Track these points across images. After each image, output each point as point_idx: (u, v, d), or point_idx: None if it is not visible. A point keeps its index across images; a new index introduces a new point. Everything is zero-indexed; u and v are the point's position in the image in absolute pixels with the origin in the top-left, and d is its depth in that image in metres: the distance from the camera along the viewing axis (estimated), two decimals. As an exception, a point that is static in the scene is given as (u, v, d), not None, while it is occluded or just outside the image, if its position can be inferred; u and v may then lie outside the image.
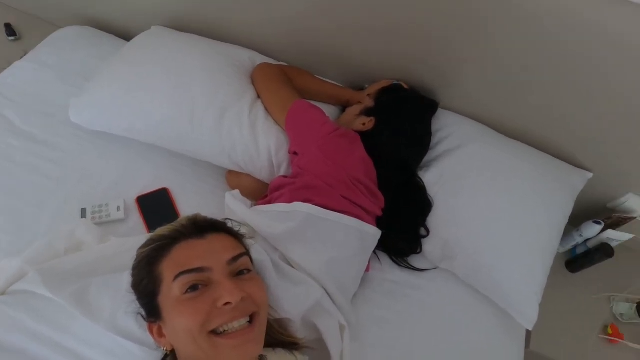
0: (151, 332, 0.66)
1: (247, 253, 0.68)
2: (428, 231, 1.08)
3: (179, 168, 1.13)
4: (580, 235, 1.25)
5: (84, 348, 0.73)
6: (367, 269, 1.05)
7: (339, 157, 0.97)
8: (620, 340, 1.18)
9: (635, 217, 1.21)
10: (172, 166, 1.13)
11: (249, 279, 0.65)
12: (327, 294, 0.88)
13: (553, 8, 0.88)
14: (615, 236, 1.22)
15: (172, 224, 0.68)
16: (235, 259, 0.64)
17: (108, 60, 1.14)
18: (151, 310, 0.64)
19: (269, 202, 0.96)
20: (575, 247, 1.31)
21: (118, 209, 1.04)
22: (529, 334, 1.18)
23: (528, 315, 1.02)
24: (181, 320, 0.60)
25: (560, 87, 1.02)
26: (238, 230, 0.72)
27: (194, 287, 0.60)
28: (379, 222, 1.03)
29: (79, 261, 0.84)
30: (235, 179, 1.13)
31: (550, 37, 0.93)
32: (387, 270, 1.09)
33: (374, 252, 1.07)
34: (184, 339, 0.61)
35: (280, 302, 0.80)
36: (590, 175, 1.17)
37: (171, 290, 0.61)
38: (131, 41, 1.17)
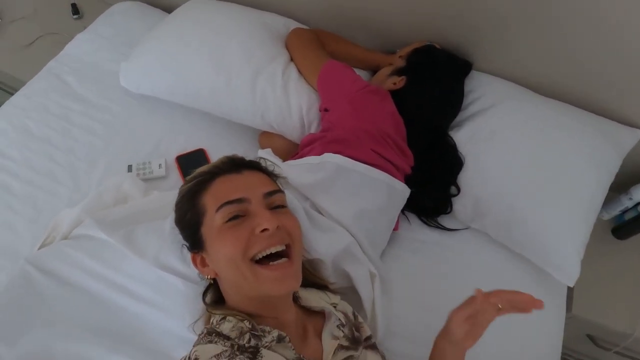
0: (195, 262, 0.70)
1: (282, 190, 0.71)
2: (459, 189, 1.06)
3: (215, 130, 1.19)
4: (630, 199, 1.17)
5: (131, 283, 0.80)
6: (396, 228, 1.05)
7: (368, 112, 0.98)
8: None
9: None
10: (209, 128, 1.19)
11: (284, 212, 0.68)
12: (357, 243, 0.90)
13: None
14: None
15: (211, 162, 0.72)
16: (271, 193, 0.67)
17: (153, 29, 1.21)
18: (195, 241, 0.68)
19: (300, 157, 0.98)
20: (623, 212, 1.23)
21: (160, 166, 1.11)
22: (570, 299, 1.13)
23: (568, 272, 0.98)
24: (224, 248, 0.63)
25: (602, 41, 0.97)
26: (272, 170, 0.75)
27: (234, 217, 0.64)
28: (408, 181, 1.02)
29: (127, 211, 0.92)
30: (267, 140, 1.17)
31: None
32: (417, 230, 1.09)
33: (403, 212, 1.07)
34: (226, 266, 0.64)
35: (312, 244, 0.83)
36: None
37: (214, 220, 0.64)
38: (174, 11, 1.24)
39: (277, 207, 0.68)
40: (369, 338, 0.76)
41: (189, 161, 1.13)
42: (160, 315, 0.78)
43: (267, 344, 0.60)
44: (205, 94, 1.11)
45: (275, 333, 0.62)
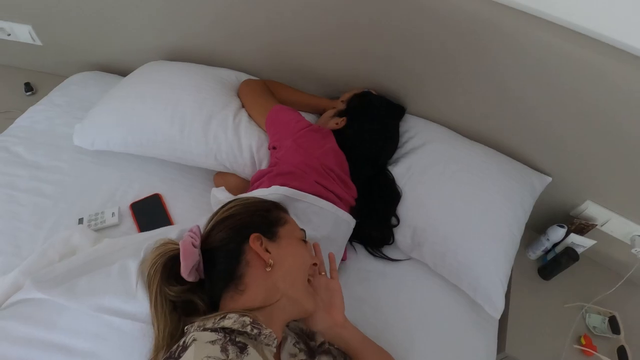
0: (255, 243, 0.71)
1: None
2: (398, 220, 1.12)
3: (170, 175, 1.22)
4: (547, 240, 1.28)
5: (71, 338, 0.73)
6: (344, 258, 1.08)
7: (311, 148, 1.05)
8: (594, 353, 1.16)
9: (596, 225, 1.24)
10: (164, 174, 1.22)
11: None
12: None
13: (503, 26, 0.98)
14: (579, 241, 1.24)
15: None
16: None
17: (109, 90, 1.28)
18: (269, 232, 0.74)
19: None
20: (546, 253, 1.33)
21: (113, 214, 1.09)
22: (504, 337, 1.17)
23: (494, 304, 1.04)
24: (300, 258, 0.74)
25: (521, 97, 1.11)
26: None
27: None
28: (353, 213, 1.07)
29: (73, 263, 0.86)
30: (221, 179, 1.20)
31: (506, 57, 1.03)
32: (363, 260, 1.13)
33: (350, 242, 1.12)
34: (286, 276, 0.70)
35: None
36: (549, 179, 1.22)
37: (296, 234, 0.78)
38: (130, 74, 1.32)
39: None
40: (322, 344, 0.78)
41: (144, 207, 1.12)
42: None
43: (267, 333, 0.62)
44: (160, 143, 1.15)
45: (269, 331, 0.63)
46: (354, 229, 1.06)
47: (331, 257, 0.86)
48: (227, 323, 0.62)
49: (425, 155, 1.18)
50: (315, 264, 0.77)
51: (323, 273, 0.81)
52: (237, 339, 0.59)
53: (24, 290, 0.79)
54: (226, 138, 1.13)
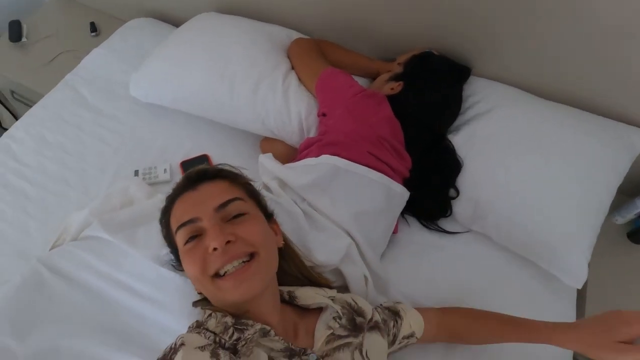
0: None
1: (240, 198, 0.68)
2: (458, 192, 1.05)
3: (219, 137, 1.23)
4: None
5: (133, 280, 0.83)
6: (395, 231, 1.05)
7: (365, 115, 1.00)
8: None
9: None
10: (213, 135, 1.23)
11: (242, 221, 0.65)
12: (356, 245, 0.90)
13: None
14: None
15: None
16: (224, 205, 0.65)
17: (162, 42, 1.28)
18: (178, 259, 0.70)
19: (299, 161, 1.00)
20: (639, 217, 1.19)
21: (165, 171, 1.15)
22: (583, 303, 1.08)
23: (575, 274, 0.96)
24: (187, 269, 0.65)
25: (600, 41, 0.97)
26: (235, 174, 0.73)
27: (192, 238, 0.64)
28: (407, 185, 1.02)
29: (132, 214, 0.95)
30: (268, 145, 1.19)
31: None
32: (416, 233, 1.08)
33: (402, 215, 1.06)
34: (196, 284, 0.67)
35: (313, 252, 0.84)
36: None
37: (178, 242, 0.66)
38: (181, 25, 1.30)
39: (237, 215, 0.65)
40: (371, 319, 0.76)
41: (193, 166, 1.12)
42: (161, 313, 0.80)
43: (249, 336, 0.60)
44: (209, 102, 1.15)
45: (258, 326, 0.62)
46: (408, 201, 1.02)
47: None
48: (211, 324, 0.63)
49: (493, 122, 1.08)
50: (215, 249, 0.62)
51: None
52: (228, 339, 0.59)
53: (93, 228, 0.89)
54: (274, 102, 1.10)
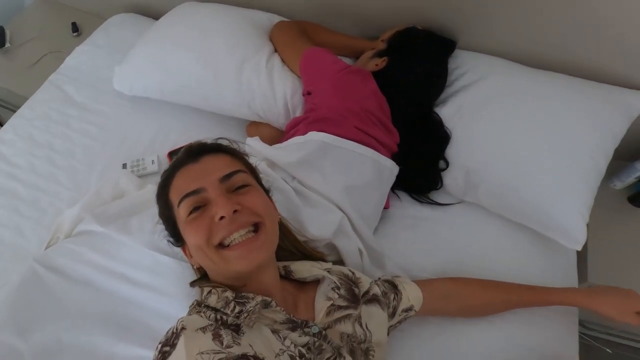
0: (184, 253, 0.72)
1: (242, 170, 0.69)
2: (447, 163, 1.05)
3: (205, 125, 1.23)
4: None
5: (129, 269, 0.83)
6: (387, 206, 1.05)
7: (350, 91, 0.99)
8: None
9: None
10: (199, 124, 1.23)
11: (246, 192, 0.66)
12: (348, 219, 0.90)
13: None
14: None
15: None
16: (228, 176, 0.65)
17: (144, 34, 1.27)
18: (175, 234, 0.70)
19: (287, 140, 1.00)
20: (639, 180, 1.19)
21: (152, 162, 1.15)
22: (584, 267, 1.09)
23: (573, 236, 0.96)
24: (191, 239, 0.64)
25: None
26: (235, 148, 0.74)
27: (196, 208, 0.63)
28: (396, 159, 1.02)
29: (123, 205, 0.95)
30: (255, 129, 1.19)
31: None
32: (408, 207, 1.08)
33: (393, 190, 1.06)
34: (198, 255, 0.65)
35: (306, 226, 0.84)
36: None
37: (180, 214, 0.65)
38: (162, 17, 1.29)
39: (240, 187, 0.66)
40: (367, 292, 0.76)
41: None
42: (159, 299, 0.80)
43: (251, 308, 0.60)
44: (193, 89, 1.15)
45: (259, 298, 0.62)
46: (398, 176, 1.02)
47: None
48: (212, 301, 0.63)
49: (481, 92, 1.08)
50: (222, 218, 0.62)
51: None
52: (228, 320, 0.59)
53: (86, 223, 0.90)
54: (259, 84, 1.10)
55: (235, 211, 0.62)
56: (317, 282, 0.74)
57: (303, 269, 0.75)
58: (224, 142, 0.73)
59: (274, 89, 1.09)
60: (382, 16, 1.20)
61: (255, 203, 0.65)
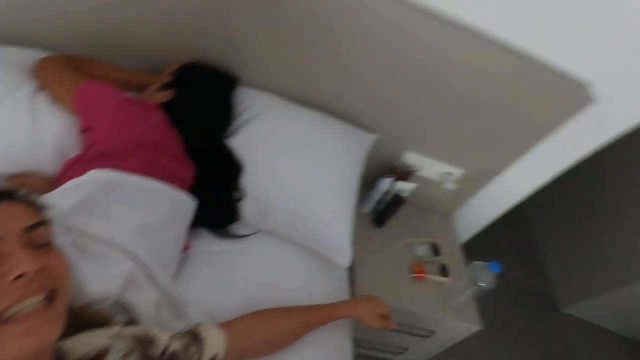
0: None
1: (46, 222, 0.55)
2: (243, 194, 1.10)
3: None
4: (377, 191, 1.43)
5: None
6: (188, 246, 1.01)
7: (134, 122, 0.95)
8: (425, 276, 1.40)
9: (415, 170, 1.46)
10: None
11: (49, 251, 0.53)
12: (144, 266, 0.82)
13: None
14: (403, 187, 1.43)
15: None
16: (34, 226, 0.52)
17: None
18: None
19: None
20: (377, 204, 1.48)
21: None
22: (355, 283, 1.28)
23: (343, 253, 1.13)
24: None
25: (354, 62, 1.21)
26: (34, 200, 0.57)
27: None
28: (193, 194, 1.00)
29: None
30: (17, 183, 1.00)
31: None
32: (209, 243, 1.08)
33: (193, 227, 1.04)
34: None
35: (86, 285, 0.71)
36: (376, 136, 1.35)
37: None
38: None
39: (42, 245, 0.53)
40: (165, 351, 0.68)
41: None
42: None
43: None
44: None
45: None
46: (195, 213, 0.99)
47: None
48: None
49: (261, 125, 1.18)
50: (19, 277, 0.48)
51: None
52: None
53: None
54: (20, 127, 0.94)
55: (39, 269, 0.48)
56: (102, 354, 0.62)
57: (81, 344, 0.61)
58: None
59: (41, 130, 0.95)
60: (165, 50, 1.21)
61: (60, 265, 0.53)
